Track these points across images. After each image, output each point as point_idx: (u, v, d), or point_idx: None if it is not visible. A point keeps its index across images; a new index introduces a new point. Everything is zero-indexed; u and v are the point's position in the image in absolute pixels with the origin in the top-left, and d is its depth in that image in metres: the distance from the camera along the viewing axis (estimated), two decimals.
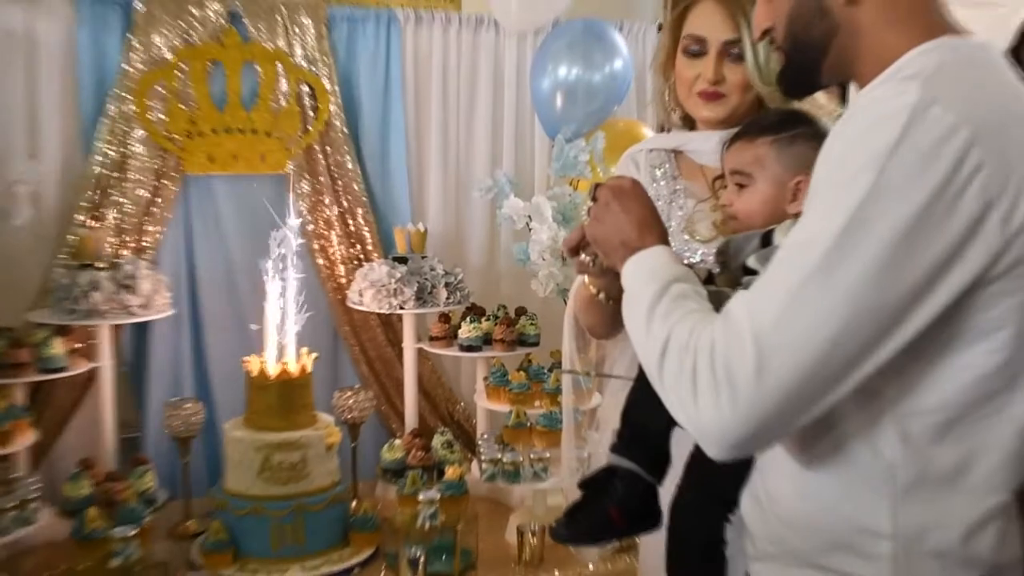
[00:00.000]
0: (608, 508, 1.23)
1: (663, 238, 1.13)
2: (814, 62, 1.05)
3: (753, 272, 1.10)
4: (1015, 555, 0.99)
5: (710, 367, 0.90)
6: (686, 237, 1.57)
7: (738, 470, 1.12)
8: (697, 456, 1.24)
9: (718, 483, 1.17)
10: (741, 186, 1.24)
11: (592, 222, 1.18)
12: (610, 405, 1.81)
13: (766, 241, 1.19)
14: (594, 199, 1.18)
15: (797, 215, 1.03)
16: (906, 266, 0.87)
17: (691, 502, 1.25)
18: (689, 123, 1.63)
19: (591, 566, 2.44)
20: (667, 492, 1.27)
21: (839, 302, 0.87)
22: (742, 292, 0.95)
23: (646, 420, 1.25)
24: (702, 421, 0.92)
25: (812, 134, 1.01)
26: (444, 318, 3.10)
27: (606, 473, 1.26)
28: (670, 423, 1.20)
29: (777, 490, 1.05)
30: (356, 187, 3.20)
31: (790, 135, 1.20)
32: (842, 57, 1.04)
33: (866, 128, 0.90)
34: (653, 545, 1.43)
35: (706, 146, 1.55)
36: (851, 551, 0.98)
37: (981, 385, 0.94)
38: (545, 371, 2.98)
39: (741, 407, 0.89)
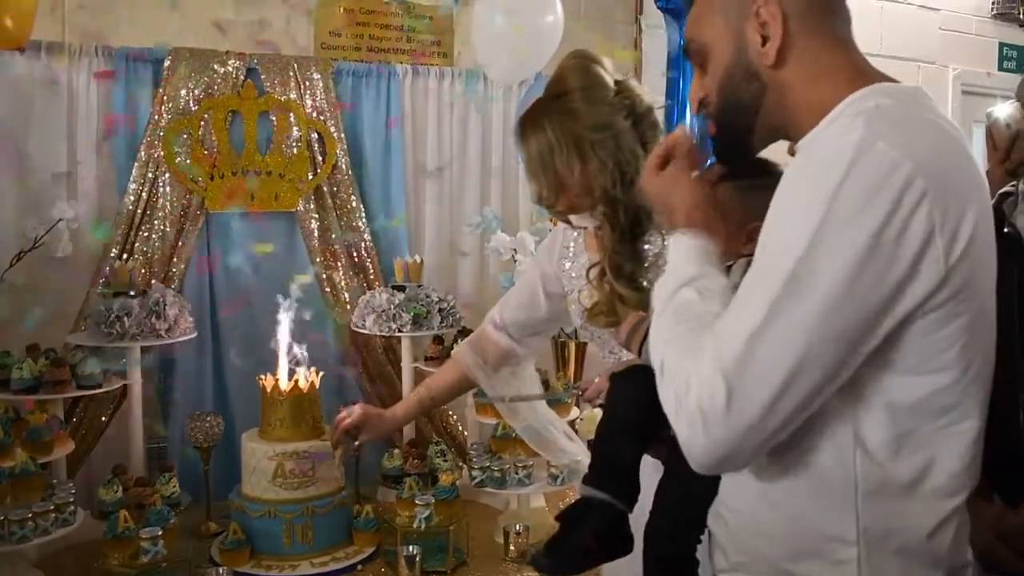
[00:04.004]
0: (585, 537, 1.21)
1: (708, 223, 1.06)
2: (745, 126, 1.03)
3: None
4: (969, 555, 0.99)
5: (685, 399, 0.90)
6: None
7: (705, 493, 1.12)
8: (665, 484, 1.25)
9: (687, 507, 1.17)
10: None
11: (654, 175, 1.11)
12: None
13: None
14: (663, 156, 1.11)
15: (750, 255, 1.03)
16: (861, 294, 0.85)
17: (663, 526, 1.23)
18: None
19: None
20: (634, 518, 1.25)
21: (795, 338, 0.86)
22: (716, 324, 0.92)
23: (616, 454, 1.24)
24: (684, 443, 0.92)
25: (771, 185, 0.97)
26: (438, 340, 3.07)
27: (581, 505, 1.24)
28: (638, 456, 1.23)
29: (746, 503, 1.03)
30: (360, 223, 3.20)
31: (749, 183, 1.17)
32: (773, 115, 1.01)
33: (814, 165, 0.89)
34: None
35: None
36: (819, 558, 0.97)
37: (933, 401, 0.92)
38: None
39: (713, 436, 0.89)
